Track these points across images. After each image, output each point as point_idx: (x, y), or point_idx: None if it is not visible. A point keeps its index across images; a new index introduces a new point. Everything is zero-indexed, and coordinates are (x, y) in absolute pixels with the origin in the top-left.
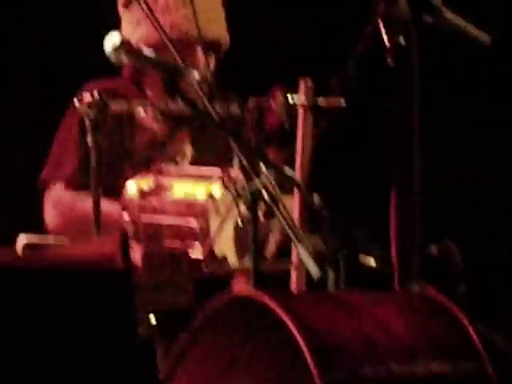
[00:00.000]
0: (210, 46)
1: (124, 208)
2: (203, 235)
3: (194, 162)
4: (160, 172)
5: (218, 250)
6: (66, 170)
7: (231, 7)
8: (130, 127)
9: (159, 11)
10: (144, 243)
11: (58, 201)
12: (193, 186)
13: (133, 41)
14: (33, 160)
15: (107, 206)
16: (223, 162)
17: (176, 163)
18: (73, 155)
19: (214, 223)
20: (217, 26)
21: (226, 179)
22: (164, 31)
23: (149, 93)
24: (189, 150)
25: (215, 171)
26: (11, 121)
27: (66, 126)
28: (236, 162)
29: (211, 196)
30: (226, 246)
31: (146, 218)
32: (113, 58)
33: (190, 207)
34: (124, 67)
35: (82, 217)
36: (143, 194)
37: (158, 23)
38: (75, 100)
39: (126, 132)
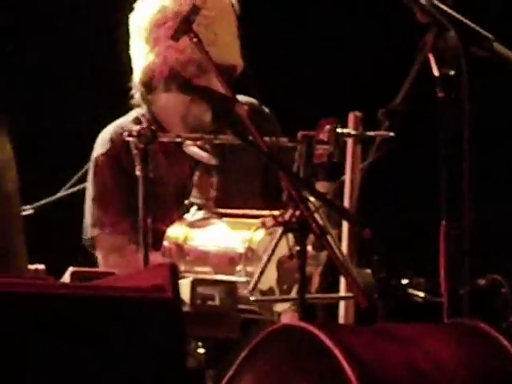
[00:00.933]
0: (225, 71)
1: (163, 255)
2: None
3: (219, 191)
4: (193, 224)
5: (262, 286)
6: (110, 220)
7: (279, 40)
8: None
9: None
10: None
11: (108, 252)
12: (230, 235)
13: (146, 63)
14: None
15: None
16: (247, 193)
17: (203, 194)
18: (112, 204)
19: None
20: (234, 52)
21: (267, 221)
22: (208, 55)
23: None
24: (215, 180)
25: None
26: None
27: (95, 179)
28: (285, 194)
29: (249, 247)
30: (269, 280)
31: (184, 268)
32: (162, 88)
33: (228, 258)
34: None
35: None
36: (179, 246)
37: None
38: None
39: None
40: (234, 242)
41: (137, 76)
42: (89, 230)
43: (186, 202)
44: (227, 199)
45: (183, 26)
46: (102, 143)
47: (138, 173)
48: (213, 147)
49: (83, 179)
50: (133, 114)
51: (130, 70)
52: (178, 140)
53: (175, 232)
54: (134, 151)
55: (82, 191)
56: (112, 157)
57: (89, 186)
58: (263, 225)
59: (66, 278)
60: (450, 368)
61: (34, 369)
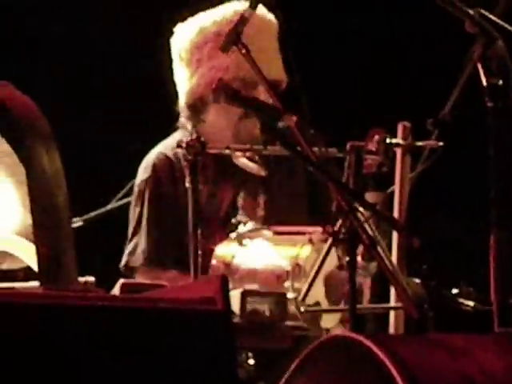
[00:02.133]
0: (271, 86)
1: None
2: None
3: (266, 210)
4: (240, 238)
5: (309, 300)
6: (141, 251)
7: (328, 50)
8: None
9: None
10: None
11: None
12: (277, 252)
13: (190, 85)
14: None
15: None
16: (295, 207)
17: (250, 214)
18: (145, 235)
19: (302, 286)
20: (277, 66)
21: (314, 237)
22: (260, 72)
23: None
24: (262, 199)
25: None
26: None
27: (137, 209)
28: (334, 205)
29: (296, 263)
30: (316, 294)
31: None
32: (211, 99)
33: (275, 276)
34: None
35: None
36: (227, 264)
37: (255, 64)
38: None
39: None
40: (281, 259)
41: (182, 100)
42: (126, 258)
43: (233, 220)
44: (275, 217)
45: (232, 36)
46: (145, 169)
47: (187, 184)
48: (262, 159)
49: (131, 192)
50: (176, 136)
51: (175, 95)
52: (227, 152)
53: (223, 250)
54: (184, 163)
55: (130, 204)
56: (154, 182)
57: (131, 213)
58: (310, 241)
59: (116, 290)
60: (500, 378)
61: (84, 383)
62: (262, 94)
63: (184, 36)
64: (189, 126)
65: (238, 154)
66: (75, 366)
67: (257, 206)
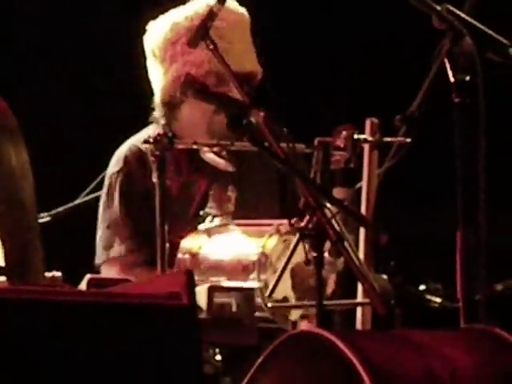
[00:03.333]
0: (245, 79)
1: (178, 267)
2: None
3: (237, 206)
4: (209, 232)
5: (276, 295)
6: (122, 252)
7: (295, 46)
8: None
9: (189, 47)
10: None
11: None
12: (244, 242)
13: (164, 82)
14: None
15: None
16: (265, 203)
17: (220, 208)
18: (123, 233)
19: (269, 277)
20: (251, 59)
21: (282, 227)
22: (224, 61)
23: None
24: (232, 194)
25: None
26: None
27: (108, 203)
28: (302, 201)
29: (263, 253)
30: (284, 289)
31: (198, 278)
32: (178, 94)
33: (242, 266)
34: (156, 110)
35: None
36: (194, 255)
37: (222, 59)
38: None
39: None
40: (248, 250)
41: (157, 97)
42: (101, 253)
43: (201, 212)
44: (245, 213)
45: (200, 32)
46: (116, 161)
47: (154, 180)
48: (231, 154)
49: (100, 187)
50: (149, 130)
51: (151, 93)
52: (195, 147)
53: (189, 243)
54: (151, 158)
55: (99, 199)
56: (125, 175)
57: (102, 205)
58: (277, 231)
59: (83, 285)
60: (466, 374)
61: (48, 377)
62: (235, 88)
63: (157, 33)
64: (162, 121)
65: (206, 149)
66: (40, 361)
67: (228, 201)
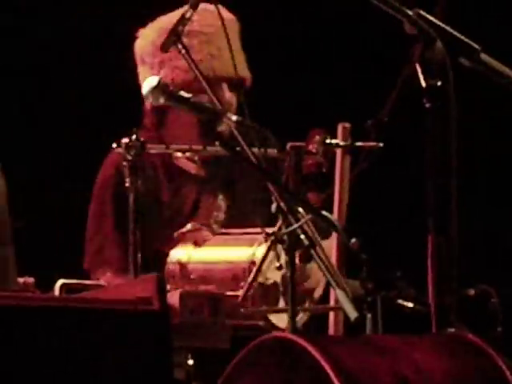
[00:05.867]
0: (235, 84)
1: (167, 276)
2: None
3: (228, 214)
4: (198, 241)
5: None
6: (111, 256)
7: (267, 51)
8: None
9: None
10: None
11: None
12: (233, 252)
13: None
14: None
15: None
16: (257, 217)
17: (211, 218)
18: (113, 238)
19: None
20: (240, 64)
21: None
22: (200, 70)
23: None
24: (223, 202)
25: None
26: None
27: (97, 206)
28: (274, 206)
29: (253, 262)
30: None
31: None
32: (150, 100)
33: (232, 275)
34: (145, 116)
35: None
36: (183, 266)
37: (194, 62)
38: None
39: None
40: (237, 258)
41: (147, 102)
42: (91, 260)
43: (189, 225)
44: (235, 223)
45: (172, 36)
46: (105, 168)
47: (127, 185)
48: (202, 159)
49: (73, 192)
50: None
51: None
52: (168, 151)
53: (178, 253)
54: (123, 163)
55: (76, 204)
56: (116, 182)
57: (92, 210)
58: (266, 240)
59: (56, 290)
60: (436, 378)
61: (18, 381)
62: (226, 92)
63: (146, 39)
64: (152, 128)
65: (179, 154)
66: (10, 366)
67: (218, 210)
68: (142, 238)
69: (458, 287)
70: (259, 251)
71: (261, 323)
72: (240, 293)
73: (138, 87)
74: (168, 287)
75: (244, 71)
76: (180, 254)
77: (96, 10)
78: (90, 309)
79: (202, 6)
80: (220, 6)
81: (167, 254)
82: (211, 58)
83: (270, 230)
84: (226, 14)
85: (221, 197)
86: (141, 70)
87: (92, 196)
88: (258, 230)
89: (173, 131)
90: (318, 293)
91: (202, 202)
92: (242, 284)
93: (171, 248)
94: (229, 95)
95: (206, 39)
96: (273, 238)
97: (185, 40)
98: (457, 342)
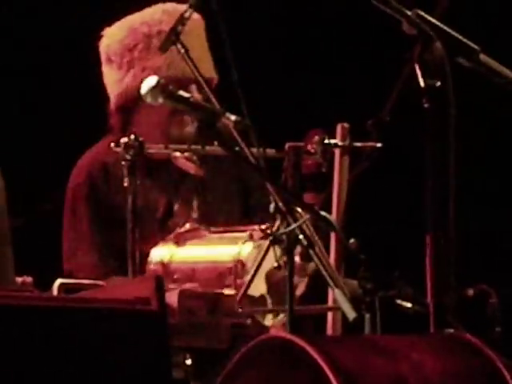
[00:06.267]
0: (203, 84)
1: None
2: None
3: (200, 213)
4: (179, 240)
5: (252, 291)
6: (86, 262)
7: (268, 50)
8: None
9: (153, 52)
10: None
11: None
12: (218, 250)
13: (122, 88)
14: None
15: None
16: (229, 214)
17: (184, 215)
18: (88, 244)
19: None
20: (207, 64)
21: (255, 233)
22: (199, 71)
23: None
24: (195, 202)
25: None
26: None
27: (72, 213)
28: (272, 205)
29: (238, 260)
30: (260, 290)
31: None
32: (148, 99)
33: (217, 273)
34: (111, 117)
35: None
36: (165, 265)
37: (194, 64)
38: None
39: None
40: (222, 257)
41: (113, 103)
42: (68, 265)
43: (170, 222)
44: (208, 220)
45: (171, 36)
46: (78, 173)
47: (125, 184)
48: (200, 159)
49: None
50: (107, 139)
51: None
52: (166, 151)
53: (159, 252)
54: (122, 163)
55: None
56: (89, 186)
57: (66, 218)
58: (251, 237)
59: (54, 290)
60: (434, 378)
61: (15, 381)
62: (195, 93)
63: (113, 38)
64: (118, 128)
65: (177, 154)
66: (8, 365)
67: (191, 208)
68: (118, 242)
69: (457, 287)
70: (244, 250)
71: (248, 321)
72: (229, 291)
73: (103, 87)
74: None
75: (211, 72)
76: (161, 253)
77: (96, 10)
78: (88, 308)
79: (169, 5)
80: (181, 4)
81: (147, 254)
82: (179, 59)
83: (263, 228)
84: (193, 14)
85: (194, 194)
86: (106, 69)
87: (65, 202)
88: (248, 227)
89: (139, 131)
90: (299, 290)
91: (178, 201)
92: (227, 283)
93: (151, 247)
94: (197, 96)
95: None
96: (270, 234)
97: (154, 40)
98: (455, 342)
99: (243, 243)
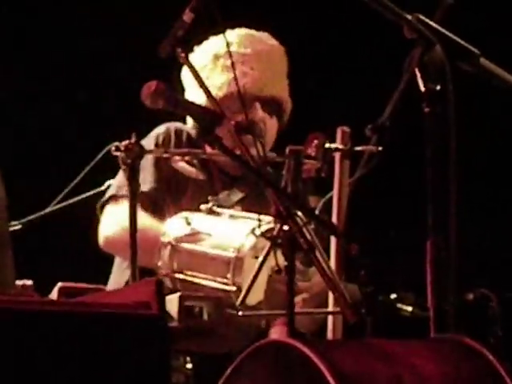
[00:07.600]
0: (269, 104)
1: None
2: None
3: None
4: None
5: (250, 300)
6: (144, 188)
7: None
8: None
9: (219, 71)
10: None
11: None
12: (227, 238)
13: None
14: None
15: (149, 222)
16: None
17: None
18: (150, 174)
19: (244, 276)
20: (277, 86)
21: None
22: (200, 78)
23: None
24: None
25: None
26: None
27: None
28: (273, 209)
29: (237, 257)
30: (257, 294)
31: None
32: (148, 104)
33: (218, 261)
34: None
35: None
36: (178, 240)
37: (196, 71)
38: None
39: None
40: (227, 244)
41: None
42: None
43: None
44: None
45: (171, 41)
46: (154, 138)
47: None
48: (201, 162)
49: (71, 195)
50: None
51: None
52: (166, 155)
53: (174, 227)
54: (123, 166)
55: (70, 207)
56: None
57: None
58: (253, 232)
59: (54, 293)
60: (434, 383)
61: None
62: (259, 111)
63: (195, 61)
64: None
65: (177, 157)
66: (8, 370)
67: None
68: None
69: (458, 291)
70: (246, 244)
71: (262, 324)
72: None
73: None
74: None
75: (282, 94)
76: (175, 230)
77: (96, 10)
78: (88, 313)
79: (247, 30)
80: (268, 35)
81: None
82: (242, 76)
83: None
84: (268, 40)
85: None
86: (189, 90)
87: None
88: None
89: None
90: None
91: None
92: (229, 276)
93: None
94: (261, 114)
95: (241, 59)
96: (270, 238)
97: (221, 60)
98: (456, 346)
99: (246, 236)
